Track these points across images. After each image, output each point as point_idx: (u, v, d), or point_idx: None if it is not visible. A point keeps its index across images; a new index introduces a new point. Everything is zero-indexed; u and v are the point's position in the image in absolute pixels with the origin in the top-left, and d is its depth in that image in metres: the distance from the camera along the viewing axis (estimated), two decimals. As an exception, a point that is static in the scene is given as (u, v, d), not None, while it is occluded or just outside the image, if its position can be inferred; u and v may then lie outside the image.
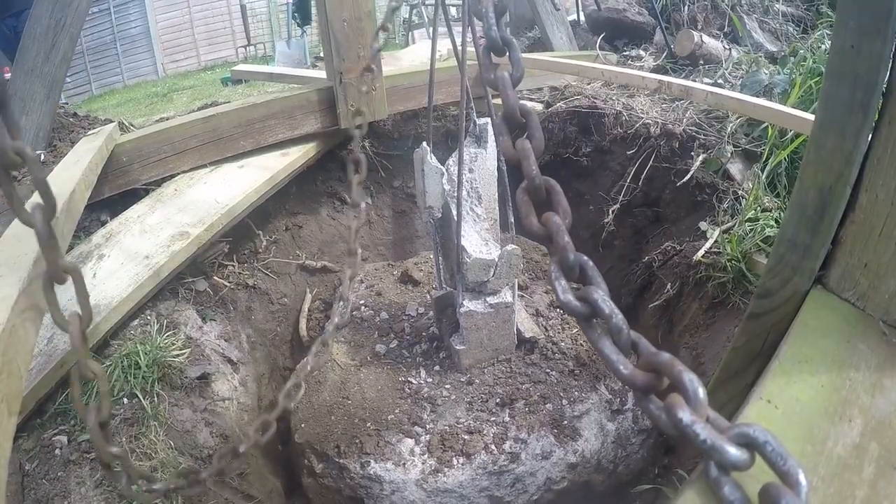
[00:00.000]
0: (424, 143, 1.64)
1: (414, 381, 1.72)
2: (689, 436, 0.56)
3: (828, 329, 0.89)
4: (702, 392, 0.58)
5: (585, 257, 0.67)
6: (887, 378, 0.79)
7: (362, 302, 2.08)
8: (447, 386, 1.70)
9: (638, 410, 1.61)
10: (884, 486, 0.64)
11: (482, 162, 1.66)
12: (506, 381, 1.69)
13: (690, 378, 0.58)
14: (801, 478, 0.54)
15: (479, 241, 1.64)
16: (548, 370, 1.71)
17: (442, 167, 1.65)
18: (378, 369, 1.77)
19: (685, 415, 0.56)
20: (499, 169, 1.69)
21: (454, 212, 1.59)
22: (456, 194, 1.57)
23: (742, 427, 0.57)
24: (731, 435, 0.57)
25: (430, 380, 1.72)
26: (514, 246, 1.59)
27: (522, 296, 2.00)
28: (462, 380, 1.71)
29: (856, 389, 0.77)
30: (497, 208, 1.72)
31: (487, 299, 1.66)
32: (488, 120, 1.65)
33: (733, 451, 0.56)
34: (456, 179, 1.57)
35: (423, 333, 1.88)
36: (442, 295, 1.77)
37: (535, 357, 1.76)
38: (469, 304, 1.64)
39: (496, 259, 1.59)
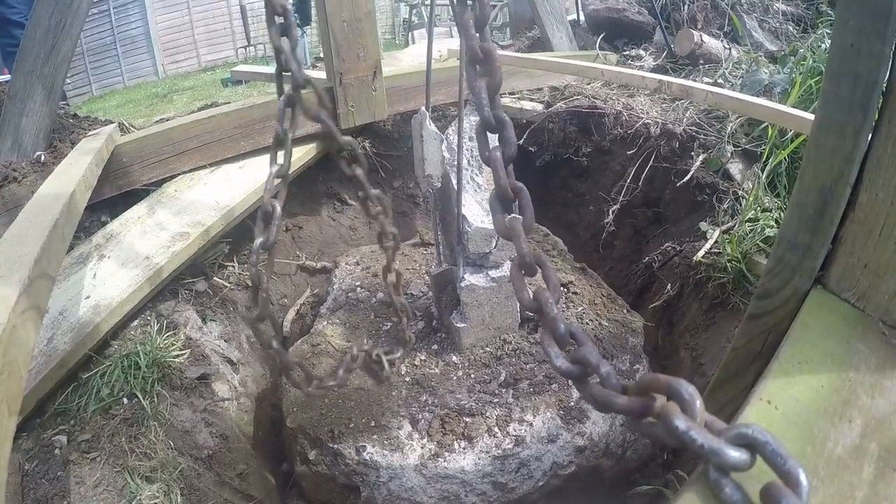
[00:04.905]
0: (423, 108, 1.57)
1: (412, 362, 1.66)
2: (686, 442, 0.56)
3: (828, 329, 0.89)
4: (696, 397, 0.58)
5: (575, 325, 0.73)
6: (887, 379, 0.79)
7: (358, 283, 2.04)
8: (447, 366, 1.64)
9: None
10: (883, 486, 0.64)
11: None
12: (509, 361, 1.63)
13: (682, 384, 0.59)
14: (802, 478, 0.54)
15: (480, 211, 1.58)
16: (553, 349, 1.67)
17: (441, 134, 1.60)
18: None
19: (680, 422, 0.56)
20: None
21: (454, 182, 1.53)
22: (456, 162, 1.50)
23: (741, 428, 0.57)
24: (730, 436, 0.57)
25: (428, 360, 1.67)
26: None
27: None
28: (462, 360, 1.65)
29: (856, 390, 0.77)
30: None
31: (489, 273, 1.59)
32: None
33: (732, 453, 0.56)
34: (456, 148, 1.51)
35: (421, 313, 1.83)
36: (441, 272, 1.71)
37: (539, 336, 1.71)
38: (470, 278, 1.58)
39: None
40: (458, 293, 1.61)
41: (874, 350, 0.84)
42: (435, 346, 1.71)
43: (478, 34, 0.84)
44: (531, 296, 0.76)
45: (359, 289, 2.02)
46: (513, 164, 0.85)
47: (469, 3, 0.84)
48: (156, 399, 1.49)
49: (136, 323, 1.68)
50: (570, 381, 0.71)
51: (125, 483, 1.29)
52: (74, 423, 1.38)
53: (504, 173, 0.82)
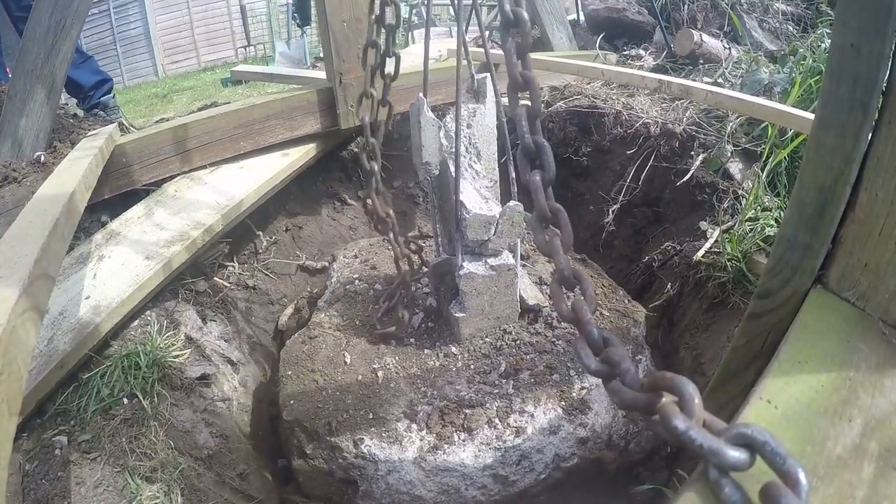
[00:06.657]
0: (421, 95, 1.55)
1: (410, 354, 1.63)
2: (685, 442, 0.56)
3: (828, 329, 0.89)
4: (696, 396, 0.58)
5: (607, 333, 0.79)
6: (887, 378, 0.79)
7: (356, 276, 2.03)
8: (446, 357, 1.61)
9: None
10: (883, 486, 0.64)
11: (481, 118, 1.57)
12: (509, 352, 1.60)
13: (683, 382, 0.59)
14: (802, 477, 0.54)
15: (478, 198, 1.55)
16: (553, 339, 1.63)
17: (439, 121, 1.58)
18: (372, 343, 1.69)
19: (679, 422, 0.57)
20: (499, 126, 1.60)
21: (452, 169, 1.51)
22: (454, 149, 1.49)
23: (740, 427, 0.57)
24: (730, 436, 0.57)
25: (427, 351, 1.64)
26: (516, 202, 1.50)
27: (525, 265, 1.92)
28: (462, 350, 1.63)
29: (855, 389, 0.77)
30: (496, 168, 1.62)
31: (488, 261, 1.57)
32: (487, 75, 1.57)
33: (731, 453, 0.56)
34: (453, 135, 1.49)
35: (419, 302, 1.81)
36: (440, 262, 1.69)
37: (540, 326, 1.67)
38: (469, 266, 1.55)
39: (497, 216, 1.51)
40: (457, 282, 1.59)
41: (874, 349, 0.84)
42: (434, 337, 1.69)
43: (520, 61, 0.88)
44: (569, 307, 0.82)
45: (357, 281, 2.00)
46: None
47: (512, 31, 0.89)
48: (156, 399, 1.49)
49: (136, 323, 1.68)
50: (601, 380, 0.76)
51: (125, 483, 1.29)
52: (75, 423, 1.38)
53: (543, 196, 0.87)
